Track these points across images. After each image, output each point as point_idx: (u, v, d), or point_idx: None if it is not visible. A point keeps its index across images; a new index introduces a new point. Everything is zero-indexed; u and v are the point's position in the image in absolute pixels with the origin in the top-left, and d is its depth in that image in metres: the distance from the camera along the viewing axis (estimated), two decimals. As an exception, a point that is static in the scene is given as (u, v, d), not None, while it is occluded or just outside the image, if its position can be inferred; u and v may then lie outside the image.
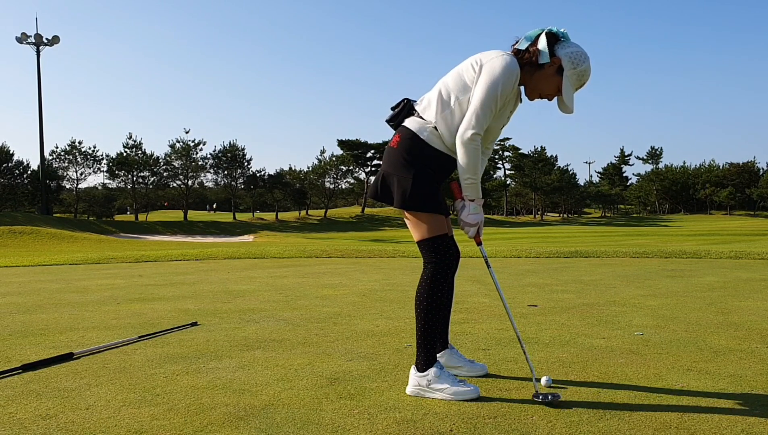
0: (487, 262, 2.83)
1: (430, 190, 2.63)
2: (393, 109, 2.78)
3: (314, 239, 36.16)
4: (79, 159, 57.50)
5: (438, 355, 2.83)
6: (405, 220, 2.73)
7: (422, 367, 2.62)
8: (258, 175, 65.68)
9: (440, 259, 2.64)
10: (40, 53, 46.56)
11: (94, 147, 62.44)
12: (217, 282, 7.02)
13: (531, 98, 2.73)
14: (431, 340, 2.64)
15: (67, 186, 58.45)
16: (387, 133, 2.89)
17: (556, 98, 2.69)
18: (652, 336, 3.75)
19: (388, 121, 2.79)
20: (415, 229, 2.68)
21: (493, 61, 2.58)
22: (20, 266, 10.03)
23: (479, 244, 2.80)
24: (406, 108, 2.74)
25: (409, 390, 2.63)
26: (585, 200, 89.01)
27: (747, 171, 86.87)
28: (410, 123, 2.69)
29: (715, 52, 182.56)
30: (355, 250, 12.06)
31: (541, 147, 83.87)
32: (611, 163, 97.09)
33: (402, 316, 4.53)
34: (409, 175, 2.61)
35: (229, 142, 63.83)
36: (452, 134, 2.62)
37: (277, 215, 65.20)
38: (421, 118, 2.68)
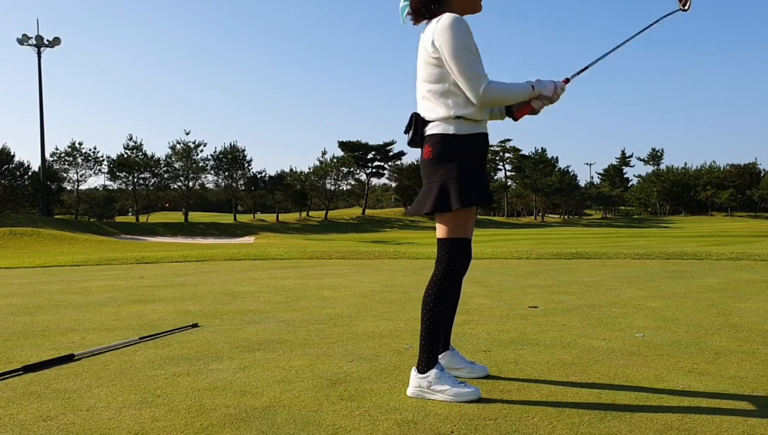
0: None
1: (473, 185, 2.60)
2: (407, 129, 2.74)
3: (315, 240, 36.18)
4: (79, 160, 57.58)
5: (439, 356, 2.83)
6: (436, 216, 2.70)
7: (423, 369, 2.62)
8: (259, 176, 65.73)
9: (455, 261, 2.64)
10: (41, 55, 46.63)
11: (95, 148, 62.63)
12: (217, 283, 7.02)
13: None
14: (435, 341, 2.64)
15: (68, 187, 58.52)
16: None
17: None
18: (653, 337, 3.75)
19: (411, 143, 2.74)
20: (443, 226, 2.66)
21: (439, 27, 2.57)
22: (21, 267, 10.03)
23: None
24: (419, 120, 2.70)
25: (409, 391, 2.63)
26: (586, 202, 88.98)
27: (748, 172, 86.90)
28: (433, 129, 2.66)
29: (716, 54, 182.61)
30: (355, 252, 12.06)
31: (542, 148, 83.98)
32: (612, 164, 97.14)
33: (403, 318, 4.53)
34: (450, 176, 2.59)
35: (230, 144, 64.01)
36: (472, 105, 2.61)
37: (277, 217, 65.25)
38: (437, 120, 2.65)
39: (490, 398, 2.57)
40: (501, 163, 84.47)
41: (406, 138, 2.78)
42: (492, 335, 3.86)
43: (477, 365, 2.93)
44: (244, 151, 63.66)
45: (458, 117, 2.61)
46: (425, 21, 2.72)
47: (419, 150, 2.75)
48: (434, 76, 2.63)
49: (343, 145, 71.37)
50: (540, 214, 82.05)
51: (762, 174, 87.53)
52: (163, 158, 60.32)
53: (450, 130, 2.62)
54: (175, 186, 62.24)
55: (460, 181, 2.58)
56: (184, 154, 59.86)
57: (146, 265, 10.15)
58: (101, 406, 2.52)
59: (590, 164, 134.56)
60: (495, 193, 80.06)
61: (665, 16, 2.90)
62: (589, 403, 2.49)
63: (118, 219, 62.84)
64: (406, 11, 2.76)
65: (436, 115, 2.64)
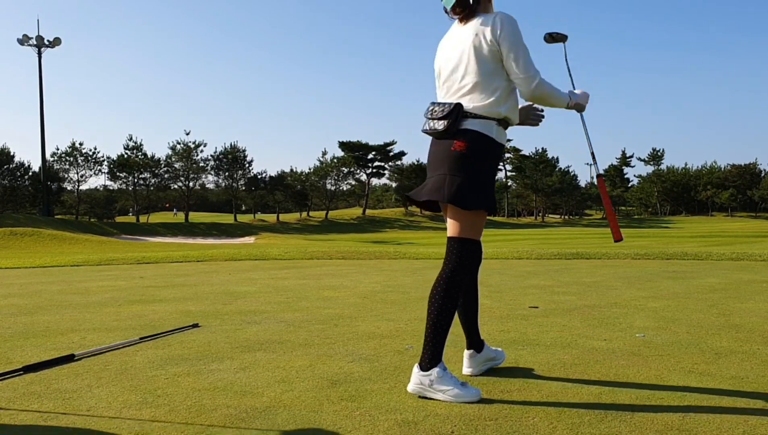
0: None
1: (491, 191, 2.69)
2: (444, 117, 2.67)
3: (315, 241, 36.17)
4: (80, 160, 57.54)
5: (470, 355, 2.95)
6: (450, 215, 2.71)
7: (426, 366, 2.60)
8: (259, 176, 65.71)
9: (464, 261, 2.67)
10: (42, 55, 46.63)
11: (95, 148, 62.54)
12: (218, 283, 7.02)
13: None
14: (439, 339, 2.63)
15: (69, 187, 58.51)
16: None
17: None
18: (654, 338, 3.75)
19: (442, 133, 2.67)
20: (454, 224, 2.69)
21: (499, 23, 2.63)
22: (21, 268, 10.04)
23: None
24: (462, 112, 2.67)
25: (410, 388, 2.62)
26: (586, 202, 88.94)
27: (748, 172, 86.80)
28: (472, 126, 2.65)
29: (717, 54, 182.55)
30: (356, 252, 12.06)
31: (542, 148, 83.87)
32: (613, 164, 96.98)
33: (403, 318, 4.53)
34: (478, 177, 2.63)
35: (230, 144, 63.93)
36: (513, 105, 2.74)
37: (278, 217, 65.22)
38: (481, 117, 2.66)
39: (490, 398, 2.57)
40: (501, 164, 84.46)
41: (429, 123, 2.72)
42: (492, 335, 3.86)
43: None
44: (244, 151, 63.64)
45: (503, 118, 2.69)
46: (463, 18, 2.76)
47: (434, 139, 2.76)
48: (488, 70, 2.66)
49: (343, 145, 71.32)
50: (540, 214, 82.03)
51: (762, 174, 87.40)
52: (164, 158, 60.32)
53: (492, 133, 2.67)
54: (176, 186, 62.22)
55: (485, 184, 2.64)
56: (185, 155, 59.79)
57: (146, 265, 10.15)
58: (101, 406, 2.53)
59: (591, 164, 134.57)
60: (496, 193, 79.92)
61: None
62: (590, 404, 2.49)
63: (119, 219, 62.83)
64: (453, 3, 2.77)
65: (483, 110, 2.65)
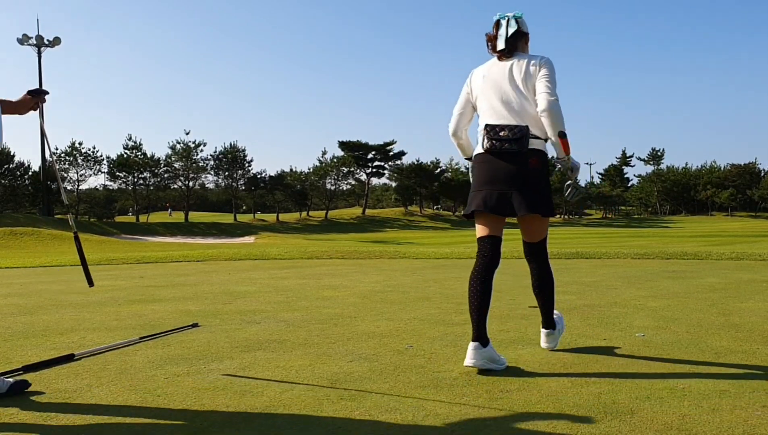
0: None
1: None
2: (514, 139, 3.01)
3: (315, 240, 36.16)
4: (79, 160, 57.49)
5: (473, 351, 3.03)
6: (529, 222, 3.27)
7: (553, 325, 3.45)
8: (259, 176, 65.64)
9: (548, 253, 3.38)
10: (42, 54, 46.59)
11: (95, 148, 62.45)
12: (218, 283, 7.02)
13: None
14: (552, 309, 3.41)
15: (68, 187, 58.44)
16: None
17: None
18: (654, 337, 3.75)
19: (517, 153, 3.02)
20: (538, 231, 3.30)
21: (544, 61, 3.09)
22: (21, 267, 10.04)
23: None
24: (529, 133, 3.04)
25: (549, 345, 3.44)
26: (586, 201, 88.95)
27: (748, 172, 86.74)
28: (538, 146, 3.10)
29: (717, 53, 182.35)
30: (355, 252, 12.06)
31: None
32: (612, 164, 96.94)
33: (403, 318, 4.53)
34: (549, 186, 3.15)
35: (230, 144, 63.81)
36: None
37: (277, 216, 65.16)
38: (539, 137, 3.08)
39: (490, 398, 2.57)
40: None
41: (496, 143, 3.05)
42: (492, 335, 3.85)
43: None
44: (244, 151, 63.52)
45: (549, 136, 3.08)
46: (507, 54, 3.15)
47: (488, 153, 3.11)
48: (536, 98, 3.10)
49: (343, 144, 71.21)
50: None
51: (762, 174, 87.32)
52: (163, 158, 60.24)
53: (548, 150, 3.16)
54: (175, 186, 62.15)
55: (550, 192, 3.14)
56: (184, 154, 59.68)
57: (146, 265, 10.15)
58: (101, 406, 2.53)
59: (590, 164, 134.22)
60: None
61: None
62: (589, 403, 2.49)
63: (118, 219, 62.70)
64: (508, 36, 3.14)
65: (541, 132, 3.08)
